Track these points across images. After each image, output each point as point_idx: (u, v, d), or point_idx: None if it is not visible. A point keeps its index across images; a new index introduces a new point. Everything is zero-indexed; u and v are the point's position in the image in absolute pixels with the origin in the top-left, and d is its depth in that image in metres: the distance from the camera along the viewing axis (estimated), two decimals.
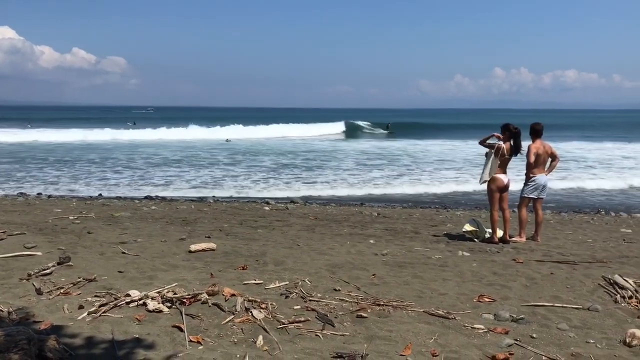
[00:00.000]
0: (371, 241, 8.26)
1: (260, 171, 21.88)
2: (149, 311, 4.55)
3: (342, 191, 17.18)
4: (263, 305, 4.75)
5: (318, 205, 13.87)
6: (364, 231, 9.30)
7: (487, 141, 8.42)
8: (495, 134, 8.41)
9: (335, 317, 4.59)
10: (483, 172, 8.41)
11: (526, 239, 8.60)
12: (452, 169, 23.18)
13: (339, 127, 56.48)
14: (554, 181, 15.90)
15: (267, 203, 13.49)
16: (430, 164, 25.22)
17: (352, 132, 55.22)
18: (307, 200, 14.93)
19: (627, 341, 4.25)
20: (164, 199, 14.75)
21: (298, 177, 20.26)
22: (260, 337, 4.07)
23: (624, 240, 8.95)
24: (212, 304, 4.76)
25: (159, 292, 4.93)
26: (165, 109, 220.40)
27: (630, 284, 5.72)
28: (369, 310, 4.78)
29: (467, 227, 8.77)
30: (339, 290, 5.38)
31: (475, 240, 8.54)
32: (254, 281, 5.55)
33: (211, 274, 5.78)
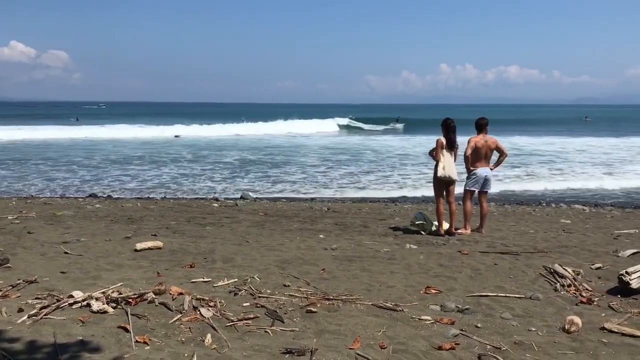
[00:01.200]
0: (321, 236, 8.29)
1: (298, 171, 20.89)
2: (93, 312, 4.43)
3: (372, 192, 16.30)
4: (211, 303, 4.70)
5: (268, 201, 13.82)
6: (314, 226, 9.32)
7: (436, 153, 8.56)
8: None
9: (285, 313, 4.58)
10: (437, 168, 8.54)
11: (471, 230, 8.81)
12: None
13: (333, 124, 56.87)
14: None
15: (216, 200, 13.35)
16: None
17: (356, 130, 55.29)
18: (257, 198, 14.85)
19: (566, 328, 4.42)
20: (109, 197, 14.38)
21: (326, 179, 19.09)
22: (209, 336, 4.02)
23: (563, 230, 9.30)
24: (159, 303, 4.67)
25: (103, 293, 4.80)
26: (117, 104, 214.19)
27: (569, 273, 5.94)
28: (318, 305, 4.79)
29: (415, 221, 8.93)
30: (289, 285, 5.37)
31: (423, 232, 8.70)
32: (202, 279, 5.48)
33: (158, 273, 5.67)
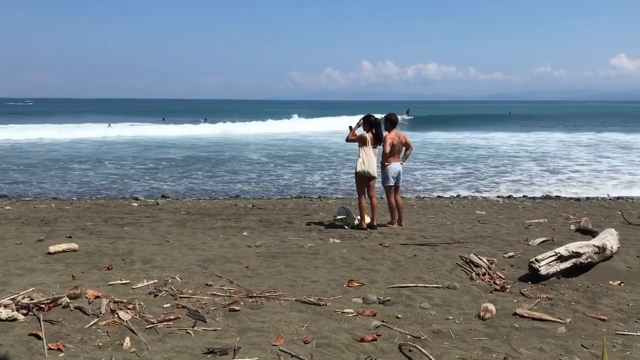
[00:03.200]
0: (245, 233, 8.23)
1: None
2: (1, 320, 4.18)
3: None
4: (130, 306, 4.55)
5: (191, 199, 13.56)
6: (237, 224, 9.23)
7: (353, 135, 8.72)
8: (350, 125, 8.79)
9: (207, 313, 4.51)
10: (357, 163, 8.69)
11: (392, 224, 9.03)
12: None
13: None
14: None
15: (136, 199, 12.93)
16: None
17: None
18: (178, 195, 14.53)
19: (482, 315, 4.61)
20: (19, 197, 13.62)
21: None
22: (128, 339, 3.89)
23: (478, 221, 9.70)
24: (74, 307, 4.47)
25: (12, 299, 4.54)
26: (42, 101, 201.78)
27: (484, 262, 6.21)
28: (241, 303, 4.75)
29: (338, 215, 9.05)
30: (211, 285, 5.29)
31: (346, 227, 8.83)
32: (120, 281, 5.30)
33: (73, 276, 5.43)
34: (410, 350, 3.87)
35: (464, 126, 51.07)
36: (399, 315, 4.61)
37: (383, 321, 4.44)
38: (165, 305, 4.65)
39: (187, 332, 4.09)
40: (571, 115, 79.70)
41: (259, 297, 4.95)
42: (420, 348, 3.81)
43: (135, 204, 11.77)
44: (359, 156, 8.66)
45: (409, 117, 58.91)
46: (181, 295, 4.92)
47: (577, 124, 58.01)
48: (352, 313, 4.60)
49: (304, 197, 14.26)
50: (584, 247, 6.01)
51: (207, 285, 5.29)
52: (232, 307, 4.62)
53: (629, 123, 59.34)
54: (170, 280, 5.35)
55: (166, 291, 5.00)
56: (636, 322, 4.60)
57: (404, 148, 8.98)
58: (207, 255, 6.54)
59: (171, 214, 10.35)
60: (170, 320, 4.30)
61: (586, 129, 49.37)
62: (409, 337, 4.14)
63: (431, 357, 3.68)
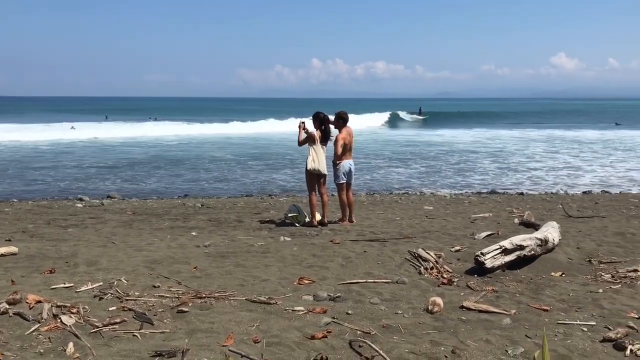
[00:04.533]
0: (193, 233, 8.10)
1: None
2: None
3: None
4: (74, 310, 4.41)
5: (138, 199, 13.26)
6: (186, 223, 9.09)
7: (302, 137, 8.71)
8: (300, 125, 8.74)
9: (155, 315, 4.42)
10: (307, 161, 8.68)
11: (343, 221, 9.07)
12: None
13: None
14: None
15: (81, 200, 12.55)
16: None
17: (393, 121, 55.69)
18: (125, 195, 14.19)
19: (429, 308, 4.69)
20: None
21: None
22: (71, 344, 3.77)
23: (426, 216, 9.87)
24: (13, 313, 4.29)
25: None
26: None
27: (432, 256, 6.31)
28: (190, 304, 4.68)
29: (288, 213, 9.03)
30: (159, 286, 5.18)
31: (297, 225, 8.82)
32: (63, 285, 5.11)
33: (12, 281, 5.21)
34: (360, 346, 3.89)
35: (424, 124, 52.30)
36: (349, 312, 4.63)
37: (334, 318, 4.45)
38: (110, 309, 4.52)
39: (133, 335, 3.99)
40: (517, 113, 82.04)
41: (208, 297, 4.88)
42: (370, 343, 3.84)
43: (80, 205, 11.42)
44: (309, 154, 8.66)
45: (424, 117, 59.46)
46: (127, 298, 4.79)
47: (522, 121, 59.94)
48: (303, 311, 4.60)
49: (255, 195, 14.17)
50: (527, 240, 6.20)
51: (154, 286, 5.18)
52: (180, 309, 4.54)
53: (570, 119, 61.66)
54: (116, 283, 5.20)
55: (112, 294, 4.87)
56: (576, 311, 4.77)
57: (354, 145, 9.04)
58: (154, 256, 6.40)
59: (117, 214, 10.09)
60: (116, 323, 4.18)
61: (532, 125, 51.27)
62: (359, 332, 4.17)
63: (380, 352, 3.71)
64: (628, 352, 3.88)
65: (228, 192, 15.13)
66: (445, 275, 5.80)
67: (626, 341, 4.00)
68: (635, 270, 5.97)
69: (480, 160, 23.00)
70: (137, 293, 4.96)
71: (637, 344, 3.97)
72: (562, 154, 25.63)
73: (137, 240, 7.41)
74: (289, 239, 7.61)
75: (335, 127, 8.82)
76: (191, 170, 19.56)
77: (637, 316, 4.63)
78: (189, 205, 11.49)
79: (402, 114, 60.90)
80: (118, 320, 4.23)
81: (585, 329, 4.33)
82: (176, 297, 4.86)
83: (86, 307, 4.52)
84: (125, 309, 4.52)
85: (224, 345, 3.85)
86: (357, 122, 47.01)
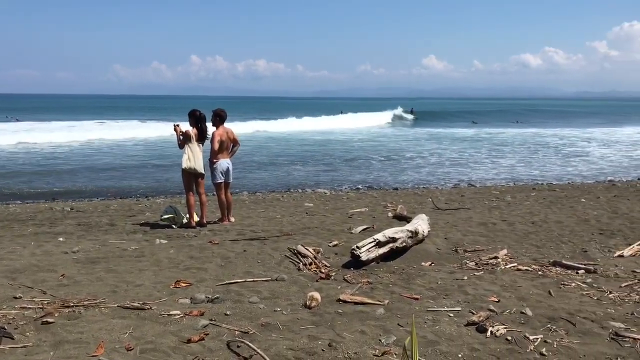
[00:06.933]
0: (60, 239, 7.60)
1: None
2: None
3: None
4: None
5: None
6: (52, 229, 8.50)
7: (181, 138, 8.50)
8: (175, 126, 8.57)
9: (16, 328, 4.09)
10: (183, 160, 8.45)
11: (223, 220, 8.95)
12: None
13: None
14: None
15: None
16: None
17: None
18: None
19: (308, 304, 4.76)
20: None
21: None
22: None
23: (306, 213, 10.01)
24: None
25: None
26: None
27: (311, 252, 6.42)
28: (56, 315, 4.38)
29: (164, 214, 8.74)
30: (20, 297, 4.81)
31: (174, 226, 8.57)
32: None
33: None
34: (238, 346, 3.86)
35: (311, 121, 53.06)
36: (228, 312, 4.58)
37: (211, 320, 4.37)
38: None
39: None
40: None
41: (76, 306, 4.60)
42: (248, 343, 3.82)
43: None
44: (184, 152, 8.45)
45: (415, 117, 59.98)
46: None
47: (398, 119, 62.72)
48: (179, 314, 4.47)
49: (131, 197, 13.57)
50: (399, 232, 6.49)
51: (15, 297, 4.80)
52: (45, 320, 4.24)
53: (447, 118, 65.29)
54: None
55: None
56: (444, 298, 5.08)
57: (231, 144, 8.91)
58: (15, 265, 5.93)
59: None
60: None
61: (409, 123, 54.09)
62: (237, 332, 4.13)
63: (258, 350, 3.71)
64: (489, 333, 4.18)
65: (100, 194, 14.35)
66: (323, 270, 5.92)
67: (487, 323, 4.32)
68: (495, 257, 6.47)
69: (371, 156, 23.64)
70: None
71: (496, 325, 4.30)
72: (454, 151, 26.56)
73: None
74: (165, 241, 7.38)
75: (212, 125, 8.67)
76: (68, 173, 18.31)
77: (497, 300, 5.02)
78: (57, 209, 10.77)
79: (398, 113, 62.30)
80: None
81: (452, 315, 4.62)
82: (40, 308, 4.53)
83: None
84: None
85: (93, 356, 3.65)
86: (357, 123, 48.88)
